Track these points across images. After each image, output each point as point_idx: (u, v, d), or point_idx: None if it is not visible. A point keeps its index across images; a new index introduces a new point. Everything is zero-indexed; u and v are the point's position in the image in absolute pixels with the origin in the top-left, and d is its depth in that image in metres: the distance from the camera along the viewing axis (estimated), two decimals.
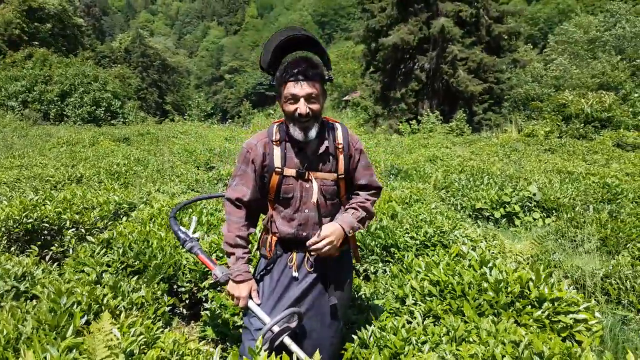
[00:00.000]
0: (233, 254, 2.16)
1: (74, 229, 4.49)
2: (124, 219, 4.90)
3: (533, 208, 6.10)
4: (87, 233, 4.56)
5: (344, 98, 45.13)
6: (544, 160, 11.53)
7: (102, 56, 50.01)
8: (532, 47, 45.83)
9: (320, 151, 2.11)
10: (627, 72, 25.73)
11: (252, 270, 2.28)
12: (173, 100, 57.02)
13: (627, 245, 4.32)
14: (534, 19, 63.39)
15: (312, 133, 2.01)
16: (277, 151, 2.09)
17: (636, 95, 19.60)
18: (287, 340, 2.04)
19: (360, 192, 2.29)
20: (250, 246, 2.32)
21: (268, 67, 2.06)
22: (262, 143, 2.11)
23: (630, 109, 18.98)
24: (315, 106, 1.98)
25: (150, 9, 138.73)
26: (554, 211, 6.04)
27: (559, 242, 4.79)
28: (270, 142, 2.11)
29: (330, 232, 2.08)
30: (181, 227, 2.47)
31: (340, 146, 2.15)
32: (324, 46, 2.05)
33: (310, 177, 2.10)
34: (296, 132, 2.01)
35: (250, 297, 2.16)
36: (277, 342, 2.01)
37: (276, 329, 2.00)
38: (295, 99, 1.96)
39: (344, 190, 2.24)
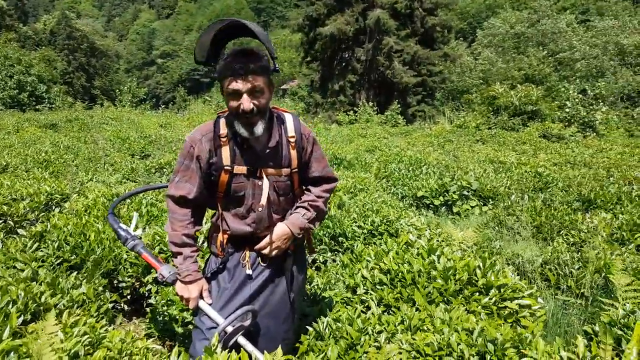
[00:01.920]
0: (180, 253, 2.03)
1: (1, 222, 4.18)
2: (57, 210, 4.62)
3: (470, 197, 6.32)
4: (17, 226, 4.25)
5: (282, 87, 44.86)
6: (477, 151, 12.03)
7: (25, 37, 46.70)
8: (462, 40, 47.64)
9: (270, 146, 2.00)
10: (550, 67, 27.32)
11: (201, 268, 2.17)
12: (102, 85, 54.32)
13: (561, 232, 4.57)
14: (463, 13, 65.83)
15: (259, 129, 1.87)
16: (225, 148, 1.96)
17: (562, 89, 20.82)
18: (242, 339, 1.97)
19: (312, 189, 2.20)
20: (197, 243, 2.20)
21: (207, 60, 1.93)
22: (208, 138, 1.96)
23: (556, 103, 20.16)
24: (260, 100, 1.85)
25: None
26: (490, 199, 6.28)
27: (497, 230, 4.99)
28: (216, 137, 1.96)
29: (277, 237, 2.05)
30: (121, 224, 2.31)
31: (292, 139, 2.04)
32: (264, 35, 1.88)
33: (261, 175, 2.00)
34: (241, 129, 1.87)
35: (201, 297, 2.06)
36: (231, 342, 1.94)
37: (230, 328, 1.92)
38: (237, 94, 1.81)
39: (298, 183, 2.15)
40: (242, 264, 2.10)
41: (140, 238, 2.32)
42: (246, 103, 1.81)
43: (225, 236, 2.10)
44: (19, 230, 3.87)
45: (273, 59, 1.91)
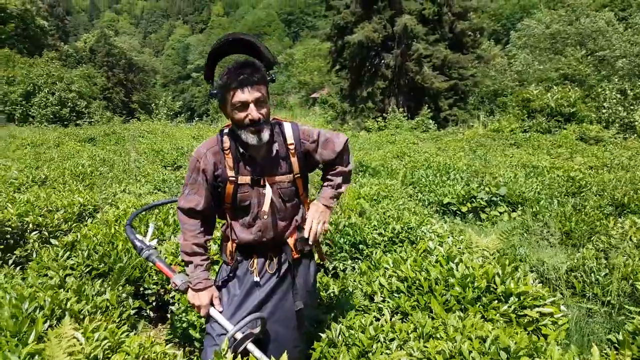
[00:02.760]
0: (191, 262, 2.12)
1: (37, 232, 4.37)
2: (89, 220, 4.78)
3: (499, 202, 6.19)
4: (51, 236, 4.44)
5: (312, 95, 45.13)
6: (510, 155, 11.77)
7: (66, 56, 48.58)
8: (495, 43, 46.83)
9: (271, 154, 2.06)
10: (590, 66, 26.49)
11: (212, 277, 2.23)
12: (139, 99, 55.80)
13: (592, 238, 4.42)
14: (496, 15, 64.76)
15: (265, 135, 1.95)
16: (228, 159, 2.04)
17: (600, 89, 20.18)
18: (251, 346, 2.02)
19: (331, 178, 2.25)
20: (209, 252, 2.27)
21: (207, 79, 2.01)
22: (212, 151, 2.05)
23: (594, 104, 19.53)
24: (264, 110, 1.93)
25: (115, 9, 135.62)
26: (519, 205, 6.14)
27: (524, 236, 4.87)
28: (220, 150, 2.05)
29: (313, 215, 2.15)
30: (137, 235, 2.40)
31: (291, 146, 2.10)
32: (261, 45, 1.97)
33: (265, 183, 2.06)
34: (249, 137, 1.93)
35: (212, 304, 2.12)
36: (240, 349, 1.98)
37: (239, 335, 1.96)
38: (244, 105, 1.89)
39: (302, 188, 2.22)
40: (250, 271, 2.16)
41: (156, 248, 2.41)
42: (254, 112, 1.89)
43: (234, 245, 2.17)
44: (52, 240, 4.03)
45: (270, 68, 1.98)
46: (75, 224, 4.85)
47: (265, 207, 2.02)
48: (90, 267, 3.52)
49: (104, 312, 2.90)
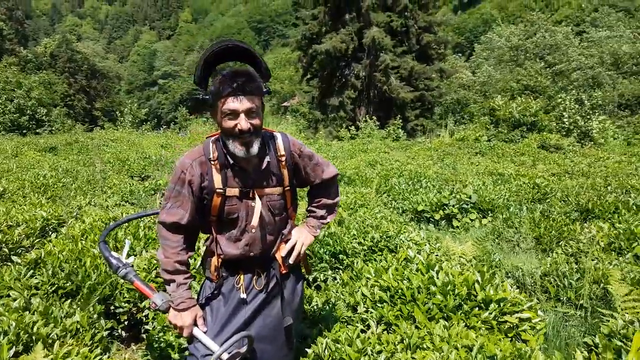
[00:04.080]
0: (173, 281, 2.00)
1: None
2: (53, 235, 4.57)
3: (470, 209, 6.33)
4: (12, 253, 4.20)
5: (283, 104, 45.15)
6: (476, 163, 12.08)
7: (25, 61, 47.07)
8: (460, 54, 48.08)
9: (263, 167, 2.00)
10: (548, 78, 27.53)
11: (195, 295, 2.14)
12: (103, 107, 54.48)
13: (560, 243, 4.58)
14: (460, 28, 66.55)
15: (254, 149, 1.89)
16: (215, 170, 1.95)
17: (559, 99, 20.96)
18: None
19: (314, 210, 2.27)
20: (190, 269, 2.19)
21: (200, 82, 1.91)
22: (199, 162, 1.95)
23: (554, 113, 20.26)
24: (256, 121, 1.86)
25: (78, 13, 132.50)
26: (489, 212, 6.30)
27: (497, 242, 5.00)
28: (207, 160, 1.96)
29: (297, 236, 2.14)
30: (113, 253, 2.27)
31: (282, 158, 2.04)
32: (259, 56, 1.93)
33: (254, 195, 2.00)
34: (237, 149, 1.87)
35: (195, 324, 2.02)
36: None
37: (225, 355, 1.88)
38: (235, 114, 1.82)
39: (291, 201, 2.16)
40: (236, 287, 2.07)
41: (132, 266, 2.27)
42: (244, 123, 1.82)
43: (219, 260, 2.07)
44: (14, 258, 3.78)
45: (266, 80, 1.95)
46: (38, 240, 4.60)
47: (255, 221, 1.96)
48: (57, 285, 3.29)
49: (74, 335, 2.73)
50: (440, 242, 4.41)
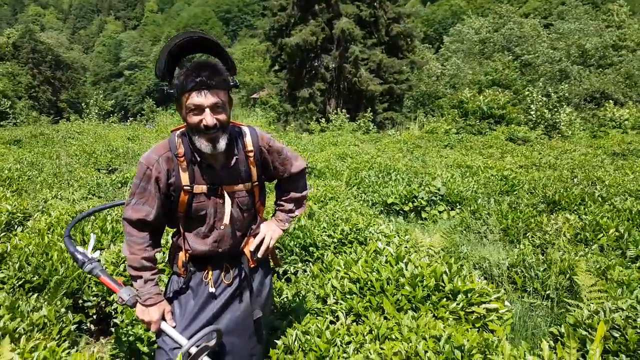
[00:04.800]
0: (140, 277, 1.97)
1: None
2: (19, 229, 4.51)
3: (438, 202, 6.38)
4: None
5: (252, 96, 44.72)
6: (445, 156, 12.23)
7: None
8: (430, 46, 48.50)
9: (229, 162, 1.95)
10: (516, 71, 28.04)
11: (162, 290, 2.11)
12: (68, 98, 53.03)
13: (527, 234, 4.65)
14: (429, 20, 67.11)
15: (221, 144, 1.82)
16: (182, 167, 1.90)
17: (527, 92, 21.38)
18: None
19: (283, 203, 2.24)
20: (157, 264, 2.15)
21: (163, 75, 1.84)
22: (165, 158, 1.90)
23: (521, 106, 20.67)
24: (222, 116, 1.80)
25: (40, 2, 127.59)
26: (457, 204, 6.36)
27: (465, 234, 5.05)
28: (173, 156, 1.90)
29: (265, 231, 2.12)
30: (78, 247, 2.22)
31: (250, 153, 2.00)
32: (225, 49, 1.85)
33: (222, 192, 1.96)
34: (203, 145, 1.81)
35: (163, 318, 2.00)
36: None
37: (194, 349, 1.87)
38: (199, 109, 1.76)
39: (259, 196, 2.13)
40: (204, 282, 2.05)
41: (99, 260, 2.24)
42: (209, 118, 1.76)
43: (187, 255, 2.04)
44: None
45: (233, 74, 1.88)
46: (3, 234, 4.55)
47: (226, 219, 1.92)
48: (23, 280, 3.29)
49: (41, 329, 2.72)
50: (409, 234, 4.42)
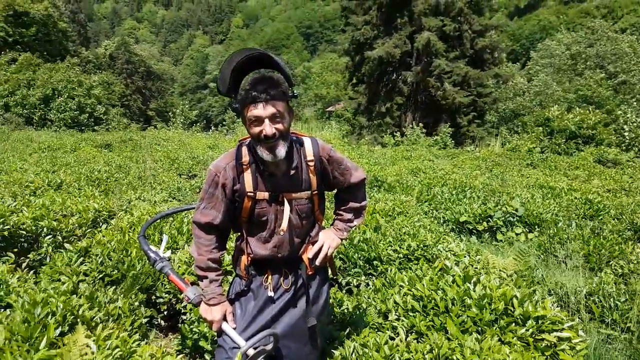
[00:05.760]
0: (206, 277, 2.10)
1: (51, 237, 4.36)
2: (103, 226, 4.79)
3: (516, 223, 6.10)
4: (65, 241, 4.44)
5: (328, 109, 45.26)
6: (526, 175, 11.64)
7: (86, 62, 49.38)
8: (514, 62, 46.70)
9: (290, 171, 2.04)
10: (609, 89, 26.29)
11: (225, 291, 2.22)
12: (157, 107, 56.49)
13: (610, 263, 4.33)
14: (515, 35, 64.75)
15: (281, 152, 1.92)
16: (247, 174, 2.02)
17: (619, 112, 19.99)
18: None
19: (342, 213, 2.29)
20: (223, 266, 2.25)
21: (227, 91, 1.96)
22: (231, 166, 2.03)
23: (613, 126, 19.34)
24: (280, 126, 1.89)
25: (136, 17, 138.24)
26: (536, 226, 6.04)
27: (542, 258, 4.78)
28: (239, 164, 2.03)
29: (324, 239, 2.16)
30: (151, 247, 2.37)
31: (311, 163, 2.08)
32: (282, 63, 1.94)
33: (283, 199, 2.04)
34: (264, 154, 1.91)
35: (225, 319, 2.10)
36: None
37: (251, 352, 1.93)
38: (259, 120, 1.87)
39: (318, 205, 2.19)
40: (264, 286, 2.14)
41: (169, 259, 2.38)
42: (268, 128, 1.86)
43: (249, 259, 2.14)
44: (66, 245, 4.00)
45: (291, 85, 1.96)
46: (89, 230, 4.85)
47: (284, 224, 2.00)
48: (104, 273, 3.52)
49: (116, 319, 2.90)
50: (480, 254, 4.26)
